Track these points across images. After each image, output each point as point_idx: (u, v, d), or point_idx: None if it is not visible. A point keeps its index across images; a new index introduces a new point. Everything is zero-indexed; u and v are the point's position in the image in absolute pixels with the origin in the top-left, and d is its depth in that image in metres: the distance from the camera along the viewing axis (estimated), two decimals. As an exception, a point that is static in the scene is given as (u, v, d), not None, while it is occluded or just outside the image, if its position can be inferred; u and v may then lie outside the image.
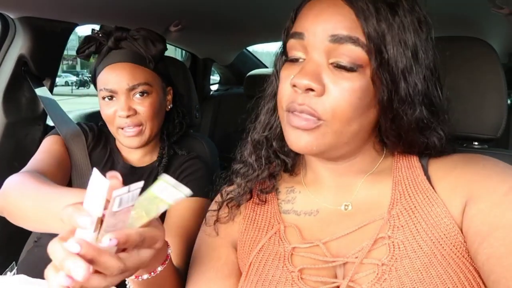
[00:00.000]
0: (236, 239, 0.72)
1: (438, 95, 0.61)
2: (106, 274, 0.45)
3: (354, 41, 0.55)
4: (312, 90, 0.56)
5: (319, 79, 0.56)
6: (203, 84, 2.56)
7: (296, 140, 0.59)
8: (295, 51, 0.61)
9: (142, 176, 1.12)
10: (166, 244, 0.62)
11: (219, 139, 1.61)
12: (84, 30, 1.52)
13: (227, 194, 0.75)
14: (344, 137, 0.59)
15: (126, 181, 1.07)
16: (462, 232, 0.55)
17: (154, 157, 1.15)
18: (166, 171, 1.11)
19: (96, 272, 0.44)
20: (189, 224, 0.97)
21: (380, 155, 0.67)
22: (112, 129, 1.06)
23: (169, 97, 1.15)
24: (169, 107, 1.16)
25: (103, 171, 1.11)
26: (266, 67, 2.91)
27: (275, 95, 0.69)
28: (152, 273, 0.61)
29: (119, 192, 0.41)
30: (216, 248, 0.72)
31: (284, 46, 0.66)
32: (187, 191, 0.46)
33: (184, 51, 2.43)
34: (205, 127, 2.49)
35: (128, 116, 1.01)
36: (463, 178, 0.58)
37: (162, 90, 1.10)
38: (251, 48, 2.85)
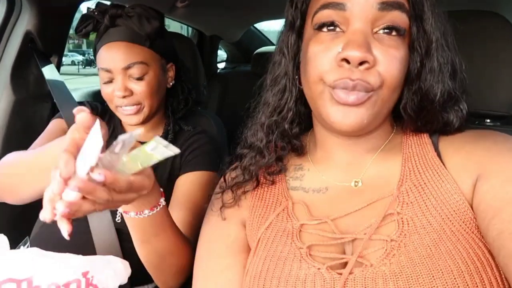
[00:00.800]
0: (245, 216, 0.71)
1: (461, 68, 0.61)
2: (95, 202, 0.51)
3: (401, 6, 0.55)
4: (366, 62, 0.54)
5: (370, 50, 0.54)
6: (210, 62, 2.54)
7: (344, 118, 0.56)
8: (331, 19, 0.57)
9: None
10: (158, 194, 0.71)
11: (227, 117, 1.60)
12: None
13: (232, 180, 0.73)
14: (388, 106, 0.59)
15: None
16: (472, 209, 0.54)
17: (159, 133, 1.16)
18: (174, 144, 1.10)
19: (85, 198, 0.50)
20: (196, 197, 0.99)
21: (391, 131, 0.67)
22: (111, 107, 1.07)
23: (171, 73, 1.14)
24: (171, 83, 1.14)
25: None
26: (274, 45, 2.86)
27: (284, 75, 0.67)
28: (139, 214, 0.69)
29: (124, 137, 0.47)
30: (224, 226, 0.72)
31: (294, 21, 0.64)
32: (176, 150, 0.50)
33: (190, 28, 2.40)
34: (213, 105, 2.48)
35: (124, 97, 1.02)
36: (474, 155, 0.57)
37: (161, 68, 1.08)
38: (258, 26, 2.81)
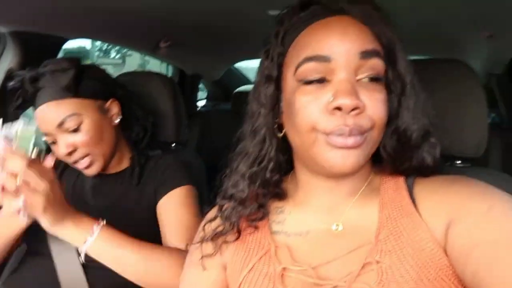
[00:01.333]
0: (226, 259, 0.71)
1: (430, 108, 0.64)
2: None
3: (378, 53, 0.59)
4: (357, 108, 0.56)
5: (358, 96, 0.57)
6: (191, 100, 2.57)
7: (344, 160, 0.58)
8: (318, 75, 0.59)
9: (116, 182, 1.13)
10: (87, 219, 0.88)
11: (206, 155, 1.61)
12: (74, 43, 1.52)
13: (213, 231, 0.72)
14: (377, 144, 0.62)
15: (99, 189, 1.17)
16: (446, 254, 0.55)
17: (126, 164, 1.15)
18: (143, 174, 1.13)
19: None
20: (184, 216, 1.01)
21: (369, 174, 0.69)
22: (69, 164, 1.07)
23: (114, 110, 1.11)
24: (117, 121, 1.11)
25: (75, 186, 1.11)
26: (254, 83, 2.93)
27: (264, 126, 0.67)
28: (86, 243, 0.85)
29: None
30: (205, 273, 0.72)
31: (270, 73, 0.65)
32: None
33: (170, 66, 2.44)
34: (192, 143, 2.48)
35: (70, 153, 1.01)
36: (445, 200, 0.58)
37: (98, 110, 1.05)
38: (238, 65, 2.88)
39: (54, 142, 1.02)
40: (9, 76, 1.05)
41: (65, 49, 1.53)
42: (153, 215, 1.06)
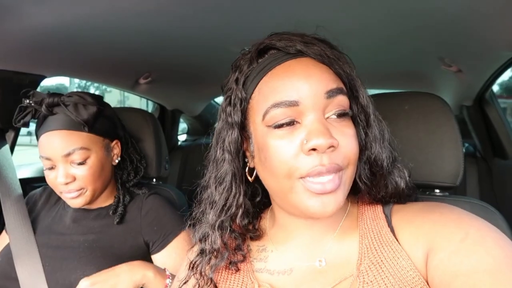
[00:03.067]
0: None
1: (393, 139, 0.67)
2: None
3: (341, 90, 0.61)
4: (332, 146, 0.57)
5: (331, 134, 0.57)
6: (171, 135, 2.56)
7: (325, 206, 0.58)
8: (288, 118, 0.59)
9: (97, 217, 1.13)
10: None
11: (187, 190, 1.59)
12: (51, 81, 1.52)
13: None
14: (353, 179, 0.63)
15: (79, 223, 1.19)
16: (428, 283, 0.56)
17: (110, 200, 1.16)
18: (126, 211, 1.14)
19: None
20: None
21: (346, 206, 0.69)
22: (56, 191, 1.08)
23: (116, 150, 1.15)
24: (117, 161, 1.15)
25: (53, 221, 1.13)
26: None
27: (230, 172, 0.65)
28: None
29: None
30: None
31: (235, 118, 0.64)
32: None
33: (150, 101, 2.45)
34: (173, 178, 2.46)
35: (67, 183, 1.02)
36: (422, 228, 0.59)
37: (104, 149, 1.09)
38: (218, 99, 2.91)
39: (51, 168, 1.03)
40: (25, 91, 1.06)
41: (42, 86, 1.52)
42: (135, 254, 1.06)
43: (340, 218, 0.67)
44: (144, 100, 2.60)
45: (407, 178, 0.67)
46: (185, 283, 0.71)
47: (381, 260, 0.59)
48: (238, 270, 0.69)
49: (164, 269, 0.99)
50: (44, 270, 1.01)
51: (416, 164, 0.69)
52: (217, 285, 0.68)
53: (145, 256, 1.10)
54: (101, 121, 1.09)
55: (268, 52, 0.64)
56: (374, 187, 0.65)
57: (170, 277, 0.97)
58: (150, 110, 2.41)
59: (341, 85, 0.61)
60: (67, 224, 1.13)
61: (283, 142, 0.59)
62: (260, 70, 0.63)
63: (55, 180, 1.02)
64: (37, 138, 1.05)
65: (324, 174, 0.57)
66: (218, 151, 0.67)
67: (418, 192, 0.70)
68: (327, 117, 0.60)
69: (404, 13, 1.01)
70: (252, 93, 0.63)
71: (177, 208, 1.23)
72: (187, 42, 1.29)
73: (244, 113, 0.65)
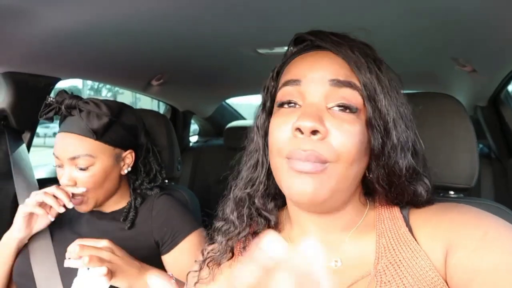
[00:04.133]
0: None
1: (420, 143, 0.65)
2: None
3: (352, 85, 0.59)
4: (317, 132, 0.56)
5: (322, 121, 0.57)
6: (183, 136, 2.58)
7: (302, 187, 0.57)
8: (289, 97, 0.62)
9: (112, 220, 1.15)
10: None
11: (199, 191, 1.60)
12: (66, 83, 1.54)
13: (208, 253, 0.73)
14: (347, 181, 0.60)
15: (94, 225, 1.21)
16: (446, 283, 0.55)
17: (124, 203, 1.17)
18: (138, 212, 1.16)
19: None
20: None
21: (364, 207, 0.68)
22: None
23: (128, 160, 1.15)
24: (126, 171, 1.15)
25: (70, 222, 1.16)
26: (245, 119, 2.96)
27: (256, 151, 0.69)
28: None
29: None
30: None
31: (265, 103, 0.69)
32: None
33: (162, 103, 2.47)
34: (185, 179, 2.47)
35: (68, 186, 1.04)
36: (440, 227, 0.59)
37: (112, 158, 1.09)
38: (229, 100, 2.92)
39: (60, 166, 1.06)
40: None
41: (57, 89, 1.54)
42: (148, 255, 1.07)
43: (356, 218, 0.66)
44: (155, 102, 2.63)
45: (430, 185, 0.65)
46: (207, 245, 0.75)
47: (399, 260, 0.58)
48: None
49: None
50: (59, 270, 1.03)
51: (430, 165, 0.68)
52: (232, 257, 0.71)
53: (158, 256, 1.11)
54: (114, 131, 1.09)
55: (303, 43, 0.68)
56: (390, 192, 0.64)
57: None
58: (161, 112, 2.43)
59: (354, 81, 0.60)
60: (83, 225, 1.15)
61: (280, 120, 0.61)
62: (287, 59, 0.68)
63: (60, 179, 1.06)
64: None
65: (302, 159, 0.56)
66: (251, 133, 0.72)
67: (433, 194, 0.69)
68: (330, 107, 0.59)
69: (418, 13, 1.00)
70: (279, 80, 0.67)
71: (189, 209, 1.23)
72: (200, 43, 1.29)
73: (273, 100, 0.68)
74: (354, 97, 0.59)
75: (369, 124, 0.60)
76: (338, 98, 0.59)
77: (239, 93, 2.60)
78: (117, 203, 1.16)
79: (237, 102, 3.08)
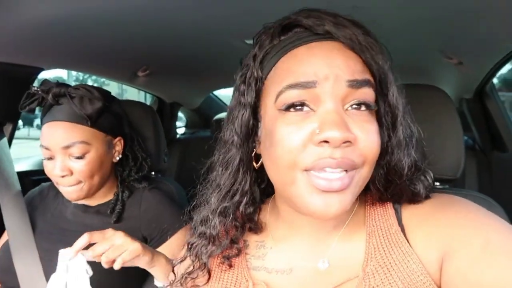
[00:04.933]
0: None
1: (421, 138, 0.61)
2: None
3: (368, 83, 0.53)
4: (348, 142, 0.50)
5: (349, 128, 0.50)
6: (170, 128, 2.55)
7: (327, 207, 0.51)
8: (301, 99, 0.53)
9: (97, 212, 1.13)
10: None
11: (187, 182, 1.58)
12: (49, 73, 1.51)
13: (182, 273, 0.67)
14: (366, 181, 0.55)
15: (79, 219, 1.15)
16: None
17: (110, 196, 1.15)
18: (125, 207, 1.13)
19: None
20: None
21: (355, 203, 0.63)
22: (53, 181, 1.07)
23: (118, 147, 1.14)
24: (117, 158, 1.14)
25: (53, 216, 1.14)
26: (233, 110, 2.95)
27: (238, 156, 0.61)
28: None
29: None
30: None
31: (247, 98, 0.59)
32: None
33: (149, 94, 2.44)
34: (172, 170, 2.45)
35: (63, 176, 1.01)
36: (436, 230, 0.54)
37: (105, 145, 1.08)
38: (217, 92, 2.90)
39: (50, 158, 1.02)
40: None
41: (40, 79, 1.51)
42: None
43: (347, 216, 0.61)
44: (142, 93, 2.59)
45: (430, 182, 0.60)
46: (181, 262, 0.68)
47: (389, 263, 0.55)
48: (231, 266, 0.65)
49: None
50: (43, 264, 1.01)
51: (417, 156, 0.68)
52: (209, 278, 0.65)
53: None
54: (106, 117, 1.08)
55: (293, 30, 0.57)
56: (387, 192, 0.60)
57: None
58: (148, 103, 2.40)
59: (369, 77, 0.54)
60: (68, 219, 1.12)
61: (292, 128, 0.52)
62: (281, 48, 0.57)
63: (52, 171, 1.02)
64: (41, 126, 1.05)
65: (333, 167, 0.50)
66: (228, 132, 0.62)
67: None
68: (346, 109, 0.53)
69: (405, 4, 1.00)
70: (269, 73, 0.58)
71: (177, 203, 1.22)
72: (186, 34, 1.27)
73: (258, 94, 0.59)
74: (370, 95, 0.54)
75: (379, 122, 0.56)
76: (356, 98, 0.53)
77: (227, 84, 2.57)
78: (103, 196, 1.15)
79: (224, 93, 3.06)
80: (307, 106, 0.53)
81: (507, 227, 0.52)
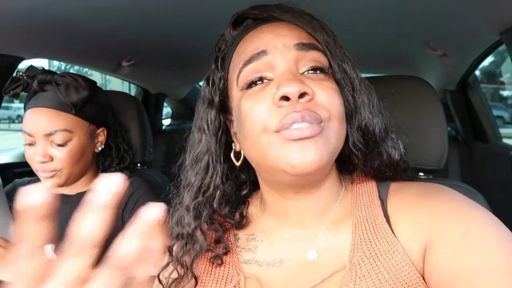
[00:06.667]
0: None
1: (384, 110, 0.63)
2: None
3: (316, 47, 0.58)
4: (305, 94, 0.53)
5: (304, 82, 0.54)
6: (155, 119, 2.53)
7: (304, 155, 0.52)
8: (258, 74, 0.57)
9: (77, 201, 1.08)
10: None
11: (173, 174, 1.58)
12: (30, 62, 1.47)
13: (166, 279, 0.64)
14: (342, 139, 0.58)
15: (60, 208, 1.12)
16: (424, 279, 0.53)
17: (90, 185, 1.13)
18: None
19: None
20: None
21: (340, 189, 0.65)
22: (32, 167, 1.06)
23: (101, 138, 1.13)
24: (99, 148, 1.13)
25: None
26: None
27: (207, 152, 0.63)
28: None
29: None
30: None
31: (212, 98, 0.63)
32: None
33: (133, 85, 2.40)
34: (158, 162, 2.43)
35: (43, 162, 1.01)
36: (420, 220, 0.55)
37: (88, 134, 1.08)
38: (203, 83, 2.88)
39: (31, 144, 1.01)
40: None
41: (20, 69, 1.47)
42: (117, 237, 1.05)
43: (333, 200, 0.63)
44: (126, 84, 2.56)
45: (402, 150, 0.63)
46: (163, 269, 0.65)
47: (375, 253, 0.56)
48: (222, 263, 0.65)
49: None
50: None
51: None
52: (198, 278, 0.63)
53: None
54: (91, 107, 1.07)
55: (243, 24, 0.64)
56: (368, 155, 0.61)
57: None
58: (133, 94, 2.36)
59: (316, 43, 0.59)
60: None
61: (255, 99, 0.56)
62: (233, 41, 0.63)
63: (33, 157, 1.01)
64: (24, 112, 1.04)
65: (299, 122, 0.52)
66: (195, 133, 0.65)
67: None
68: (302, 72, 0.57)
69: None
70: (229, 67, 0.62)
71: (161, 191, 1.22)
72: (171, 24, 1.26)
73: (225, 92, 0.63)
74: (322, 59, 0.58)
75: (339, 84, 0.59)
76: (308, 62, 0.57)
77: (213, 75, 2.56)
78: (84, 185, 1.13)
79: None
80: (265, 78, 0.57)
81: (488, 216, 0.53)
